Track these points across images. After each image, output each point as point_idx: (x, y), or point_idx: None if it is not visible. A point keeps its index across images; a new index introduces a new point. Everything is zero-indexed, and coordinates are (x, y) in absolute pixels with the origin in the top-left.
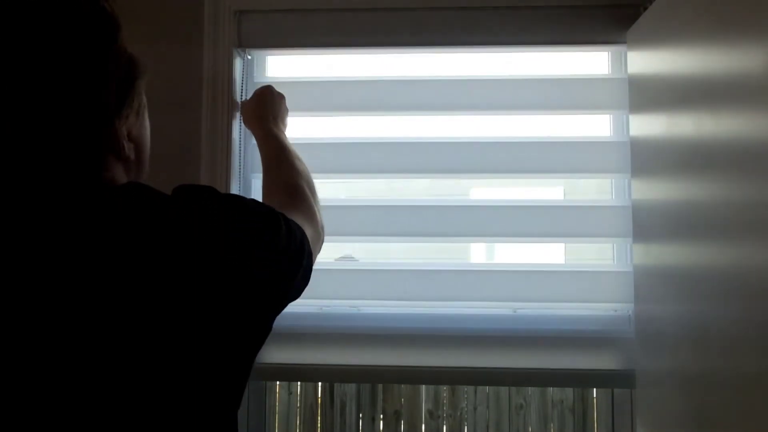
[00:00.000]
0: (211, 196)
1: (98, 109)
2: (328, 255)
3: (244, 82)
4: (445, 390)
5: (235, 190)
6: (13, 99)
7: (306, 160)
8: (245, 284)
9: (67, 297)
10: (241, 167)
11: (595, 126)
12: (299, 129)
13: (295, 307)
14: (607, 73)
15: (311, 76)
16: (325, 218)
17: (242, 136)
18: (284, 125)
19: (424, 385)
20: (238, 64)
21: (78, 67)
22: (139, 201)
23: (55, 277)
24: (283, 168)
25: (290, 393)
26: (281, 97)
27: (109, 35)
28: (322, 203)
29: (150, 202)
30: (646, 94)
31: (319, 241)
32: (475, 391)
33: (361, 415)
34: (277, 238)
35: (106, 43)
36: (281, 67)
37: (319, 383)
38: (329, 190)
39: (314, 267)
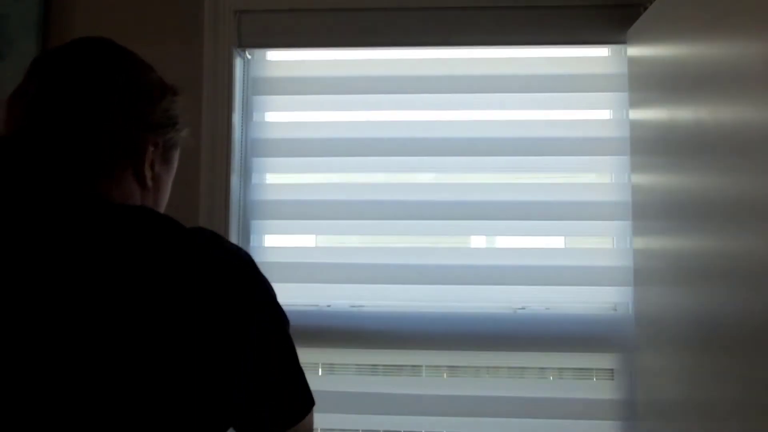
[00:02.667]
0: (250, 277)
1: (135, 118)
2: (327, 257)
3: (244, 81)
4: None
5: (235, 188)
6: (69, 86)
7: (306, 156)
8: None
9: (57, 307)
10: (242, 166)
11: (595, 125)
12: (299, 126)
13: (296, 306)
14: (607, 70)
15: (310, 75)
16: (323, 216)
17: (243, 136)
18: None
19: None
20: (238, 63)
21: (139, 87)
22: (163, 234)
23: (48, 287)
24: None
25: None
26: None
27: (173, 89)
28: (321, 202)
29: (175, 243)
30: (646, 93)
31: None
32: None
33: None
34: (279, 359)
35: (167, 91)
36: (281, 66)
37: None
38: (327, 187)
39: (314, 264)
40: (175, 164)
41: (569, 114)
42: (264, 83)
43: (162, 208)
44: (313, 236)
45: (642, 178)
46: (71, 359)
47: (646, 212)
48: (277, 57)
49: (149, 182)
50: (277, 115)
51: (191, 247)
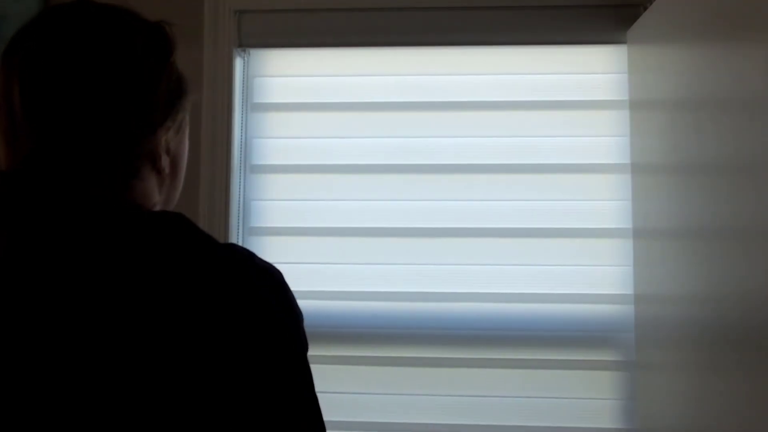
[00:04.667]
0: (284, 309)
1: (145, 118)
2: (325, 258)
3: (244, 81)
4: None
5: (235, 189)
6: (66, 98)
7: (307, 157)
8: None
9: (62, 321)
10: (242, 167)
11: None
12: (299, 126)
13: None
14: (607, 70)
15: (311, 75)
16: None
17: (243, 136)
18: None
19: None
20: (238, 64)
21: (133, 77)
22: (185, 249)
23: (57, 300)
24: None
25: None
26: None
27: (165, 52)
28: (322, 201)
29: (198, 259)
30: (646, 94)
31: None
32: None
33: None
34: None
35: (161, 59)
36: (282, 66)
37: None
38: (327, 187)
39: (314, 264)
40: (187, 127)
41: (568, 114)
42: (264, 83)
43: (181, 181)
44: (313, 237)
45: (642, 181)
46: (91, 376)
47: (646, 216)
48: (278, 57)
49: (164, 165)
50: (278, 115)
51: (220, 264)
